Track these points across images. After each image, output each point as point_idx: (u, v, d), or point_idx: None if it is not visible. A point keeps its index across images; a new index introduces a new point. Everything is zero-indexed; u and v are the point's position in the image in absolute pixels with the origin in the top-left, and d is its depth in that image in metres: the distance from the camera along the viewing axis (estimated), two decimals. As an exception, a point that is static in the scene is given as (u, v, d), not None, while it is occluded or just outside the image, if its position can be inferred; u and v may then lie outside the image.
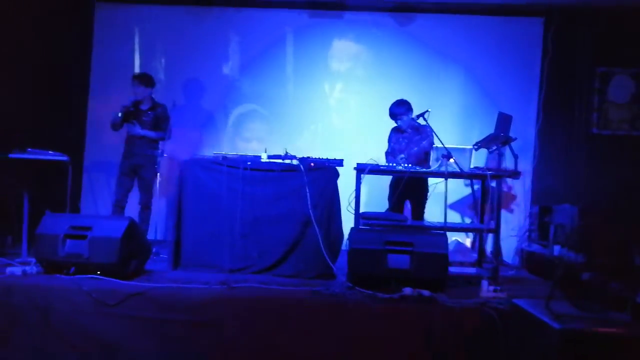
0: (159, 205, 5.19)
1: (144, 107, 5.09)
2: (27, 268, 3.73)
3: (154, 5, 6.05)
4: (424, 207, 5.02)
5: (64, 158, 4.41)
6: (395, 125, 5.06)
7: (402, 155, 4.87)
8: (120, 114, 4.95)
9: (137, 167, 5.06)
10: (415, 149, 4.90)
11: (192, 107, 6.05)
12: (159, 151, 5.13)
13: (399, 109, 4.89)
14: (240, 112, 6.05)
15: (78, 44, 5.96)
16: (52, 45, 5.68)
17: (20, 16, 5.25)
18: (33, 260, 3.89)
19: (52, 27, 5.69)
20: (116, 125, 5.03)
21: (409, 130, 4.97)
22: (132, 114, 5.03)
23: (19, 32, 5.23)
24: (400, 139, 5.00)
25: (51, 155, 4.39)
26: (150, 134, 5.06)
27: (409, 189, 4.61)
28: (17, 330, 3.46)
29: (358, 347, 3.42)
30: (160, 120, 5.13)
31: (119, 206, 5.04)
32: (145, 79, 5.06)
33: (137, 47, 6.05)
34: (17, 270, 3.69)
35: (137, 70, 5.99)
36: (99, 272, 3.68)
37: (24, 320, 3.46)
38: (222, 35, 6.04)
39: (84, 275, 3.64)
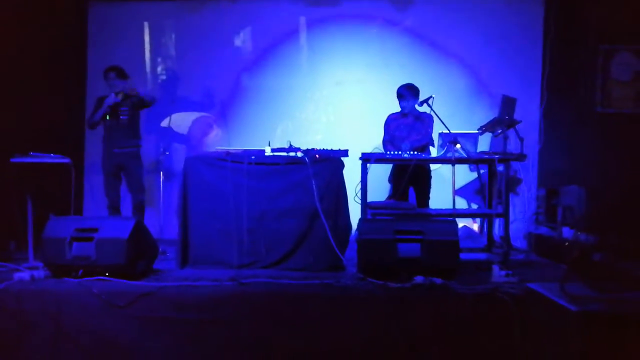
0: (163, 204, 5.13)
1: (117, 99, 4.88)
2: (35, 273, 3.68)
3: (146, 2, 5.98)
4: (429, 194, 4.99)
5: (66, 160, 4.37)
6: (391, 113, 5.01)
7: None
8: (107, 116, 4.82)
9: (122, 165, 4.91)
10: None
11: (190, 103, 5.99)
12: (142, 142, 5.02)
13: (408, 91, 4.86)
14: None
15: (73, 44, 5.91)
16: (47, 46, 5.63)
17: (15, 20, 5.19)
18: (40, 264, 3.85)
19: (46, 29, 5.63)
20: (95, 124, 4.88)
21: (411, 116, 4.92)
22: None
23: (15, 35, 5.18)
24: (402, 126, 4.96)
25: (53, 158, 4.34)
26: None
27: (412, 177, 4.58)
28: (28, 336, 3.43)
29: (372, 337, 3.40)
30: (136, 104, 4.93)
31: (113, 207, 4.95)
32: (122, 72, 4.91)
33: (131, 45, 5.98)
34: (25, 275, 3.65)
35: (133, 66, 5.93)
36: (107, 274, 3.64)
37: (35, 325, 3.44)
38: (217, 29, 5.97)
39: (93, 278, 3.60)
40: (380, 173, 5.08)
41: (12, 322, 3.43)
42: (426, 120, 4.89)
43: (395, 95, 4.92)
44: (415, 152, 4.53)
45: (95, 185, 5.59)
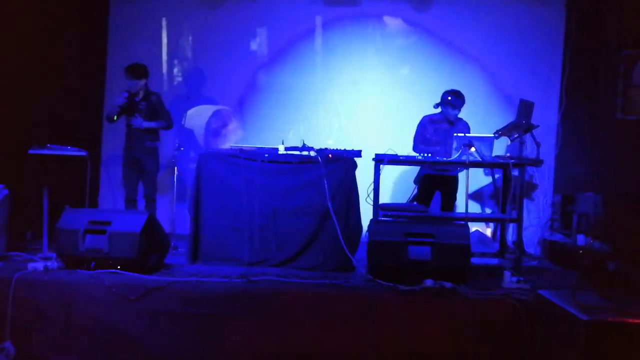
0: (176, 199, 5.17)
1: (137, 98, 4.94)
2: (49, 263, 3.75)
3: (165, -2, 6.03)
4: (455, 199, 4.94)
5: (83, 153, 4.43)
6: (428, 114, 4.95)
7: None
8: (115, 117, 4.87)
9: (138, 160, 4.97)
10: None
11: (206, 100, 6.02)
12: (159, 142, 5.06)
13: (461, 102, 4.80)
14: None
15: (93, 39, 5.96)
16: (67, 41, 5.69)
17: (39, 15, 5.27)
18: (54, 255, 3.91)
19: (67, 23, 5.70)
20: (110, 119, 4.94)
21: (447, 122, 4.88)
22: (127, 106, 4.88)
23: (38, 30, 5.26)
24: (440, 131, 4.89)
25: (70, 151, 4.41)
26: (152, 124, 4.93)
27: (439, 180, 4.54)
28: (40, 325, 3.50)
29: (379, 339, 3.39)
30: (156, 108, 4.97)
31: (131, 200, 5.01)
32: (136, 71, 4.90)
33: (150, 41, 6.01)
34: (39, 265, 3.71)
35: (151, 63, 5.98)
36: (119, 267, 3.69)
37: (47, 315, 3.50)
38: (234, 27, 5.96)
39: (104, 270, 3.65)
40: (405, 174, 5.04)
41: (25, 310, 3.50)
42: (459, 126, 4.84)
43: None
44: (430, 155, 4.49)
45: (112, 178, 5.65)
